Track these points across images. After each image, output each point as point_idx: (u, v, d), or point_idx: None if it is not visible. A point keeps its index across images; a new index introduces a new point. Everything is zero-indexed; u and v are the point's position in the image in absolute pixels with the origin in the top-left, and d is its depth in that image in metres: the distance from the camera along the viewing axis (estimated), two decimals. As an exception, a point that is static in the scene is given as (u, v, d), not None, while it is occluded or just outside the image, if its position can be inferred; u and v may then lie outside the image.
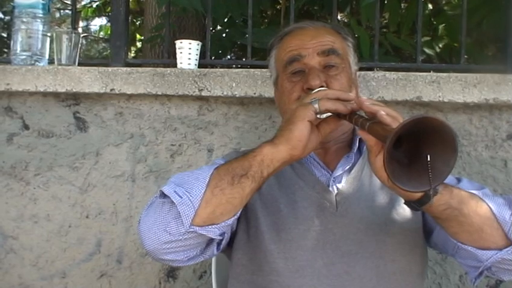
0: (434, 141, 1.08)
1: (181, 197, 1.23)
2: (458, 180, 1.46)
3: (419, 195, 1.20)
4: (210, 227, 1.25)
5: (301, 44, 1.51)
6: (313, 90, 1.40)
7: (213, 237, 1.28)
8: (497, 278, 1.38)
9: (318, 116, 1.27)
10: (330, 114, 1.29)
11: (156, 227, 1.25)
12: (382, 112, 1.16)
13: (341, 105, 1.25)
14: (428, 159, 1.07)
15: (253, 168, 1.24)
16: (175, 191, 1.25)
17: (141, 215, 1.31)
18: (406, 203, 1.26)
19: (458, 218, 1.24)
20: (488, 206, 1.28)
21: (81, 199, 2.15)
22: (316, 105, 1.25)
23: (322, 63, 1.49)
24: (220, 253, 1.51)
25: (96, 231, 2.15)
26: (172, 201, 1.24)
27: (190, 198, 1.23)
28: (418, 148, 1.11)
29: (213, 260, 1.77)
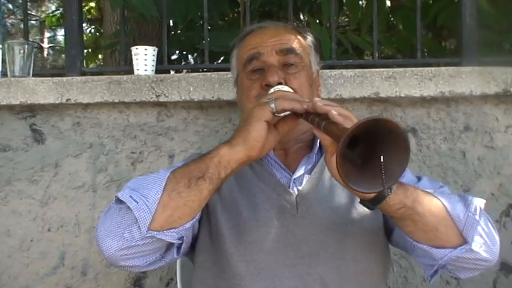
0: (388, 143, 1.08)
1: (137, 202, 1.22)
2: (419, 179, 1.46)
3: (372, 195, 1.20)
4: (168, 231, 1.24)
5: (261, 42, 1.52)
6: (271, 86, 1.41)
7: (172, 241, 1.27)
8: (453, 276, 1.39)
9: (276, 115, 1.27)
10: (287, 113, 1.29)
11: (113, 234, 1.23)
12: (334, 112, 1.15)
13: (297, 104, 1.24)
14: (382, 160, 1.07)
15: (210, 170, 1.23)
16: (130, 196, 1.23)
17: (98, 222, 1.29)
18: (361, 202, 1.26)
19: (413, 217, 1.25)
20: (443, 205, 1.28)
21: (42, 212, 2.12)
22: (273, 105, 1.25)
23: (281, 61, 1.49)
24: (185, 258, 1.49)
25: (59, 244, 2.12)
26: (129, 207, 1.22)
27: (147, 202, 1.21)
28: (372, 149, 1.11)
29: (178, 266, 1.76)
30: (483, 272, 1.38)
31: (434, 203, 1.28)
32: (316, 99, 1.23)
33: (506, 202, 2.06)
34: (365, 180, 1.09)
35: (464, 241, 1.27)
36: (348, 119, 1.15)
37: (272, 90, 1.38)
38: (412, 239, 1.31)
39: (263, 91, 1.44)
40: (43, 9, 11.46)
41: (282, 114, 1.29)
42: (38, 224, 2.12)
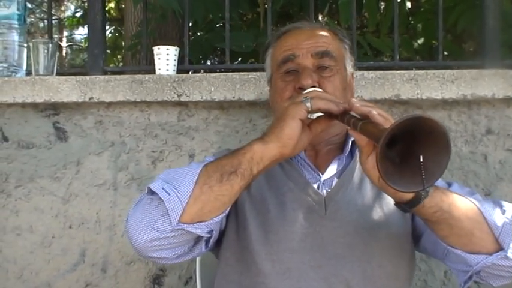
0: (428, 142, 1.07)
1: (170, 194, 1.22)
2: (449, 185, 1.45)
3: (410, 196, 1.20)
4: (198, 224, 1.24)
5: (296, 44, 1.52)
6: (305, 89, 1.40)
7: (201, 234, 1.27)
8: (486, 283, 1.36)
9: (309, 115, 1.27)
10: (321, 114, 1.29)
11: (143, 224, 1.24)
12: (374, 112, 1.15)
13: (333, 105, 1.24)
14: (421, 159, 1.06)
15: (243, 166, 1.23)
16: (163, 188, 1.24)
17: (129, 212, 1.30)
18: (396, 204, 1.26)
19: (449, 221, 1.24)
20: (479, 210, 1.27)
21: (64, 209, 2.14)
22: (308, 104, 1.25)
23: (315, 64, 1.49)
24: (206, 256, 1.49)
25: (80, 241, 2.14)
26: (161, 198, 1.23)
27: (179, 195, 1.22)
28: (411, 148, 1.10)
29: (198, 265, 1.77)
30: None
31: (470, 207, 1.27)
32: (354, 99, 1.22)
33: (528, 206, 2.04)
34: (403, 180, 1.08)
35: (500, 248, 1.26)
36: (388, 120, 1.14)
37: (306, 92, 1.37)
38: (447, 243, 1.30)
39: (296, 93, 1.43)
40: (62, 8, 11.57)
41: (315, 116, 1.29)
42: (59, 221, 2.14)
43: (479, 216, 1.26)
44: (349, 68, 1.58)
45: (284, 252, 1.39)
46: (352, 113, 1.24)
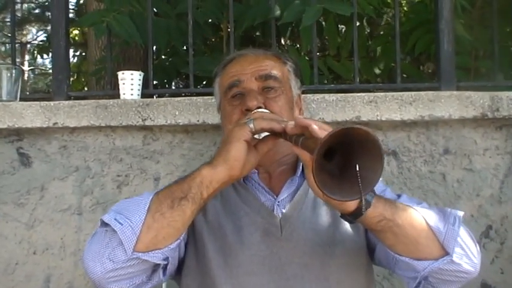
0: (362, 152, 1.11)
1: (122, 224, 1.24)
2: (399, 196, 1.49)
3: (353, 207, 1.23)
4: (153, 252, 1.26)
5: (241, 70, 1.56)
6: (251, 111, 1.43)
7: (157, 262, 1.29)
8: None
9: (256, 136, 1.30)
10: (267, 134, 1.32)
11: (99, 256, 1.25)
12: (314, 126, 1.17)
13: (275, 124, 1.28)
14: (357, 168, 1.11)
15: (193, 190, 1.26)
16: (115, 219, 1.26)
17: (85, 246, 1.31)
18: (341, 216, 1.29)
19: (393, 229, 1.28)
20: (423, 217, 1.32)
21: (28, 235, 2.12)
22: (252, 125, 1.28)
23: (260, 86, 1.53)
24: (171, 282, 1.51)
25: (45, 267, 2.12)
26: (114, 229, 1.24)
27: (131, 224, 1.24)
28: (348, 160, 1.14)
29: (164, 288, 1.78)
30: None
31: (413, 215, 1.31)
32: (298, 116, 1.26)
33: (486, 223, 2.11)
34: (342, 190, 1.12)
35: (446, 253, 1.30)
36: (326, 131, 1.16)
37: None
38: (394, 252, 1.33)
39: (244, 116, 1.46)
40: (24, 32, 11.45)
41: (262, 135, 1.32)
42: (23, 247, 2.12)
43: (423, 223, 1.31)
44: (295, 90, 1.62)
45: (243, 275, 1.41)
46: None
